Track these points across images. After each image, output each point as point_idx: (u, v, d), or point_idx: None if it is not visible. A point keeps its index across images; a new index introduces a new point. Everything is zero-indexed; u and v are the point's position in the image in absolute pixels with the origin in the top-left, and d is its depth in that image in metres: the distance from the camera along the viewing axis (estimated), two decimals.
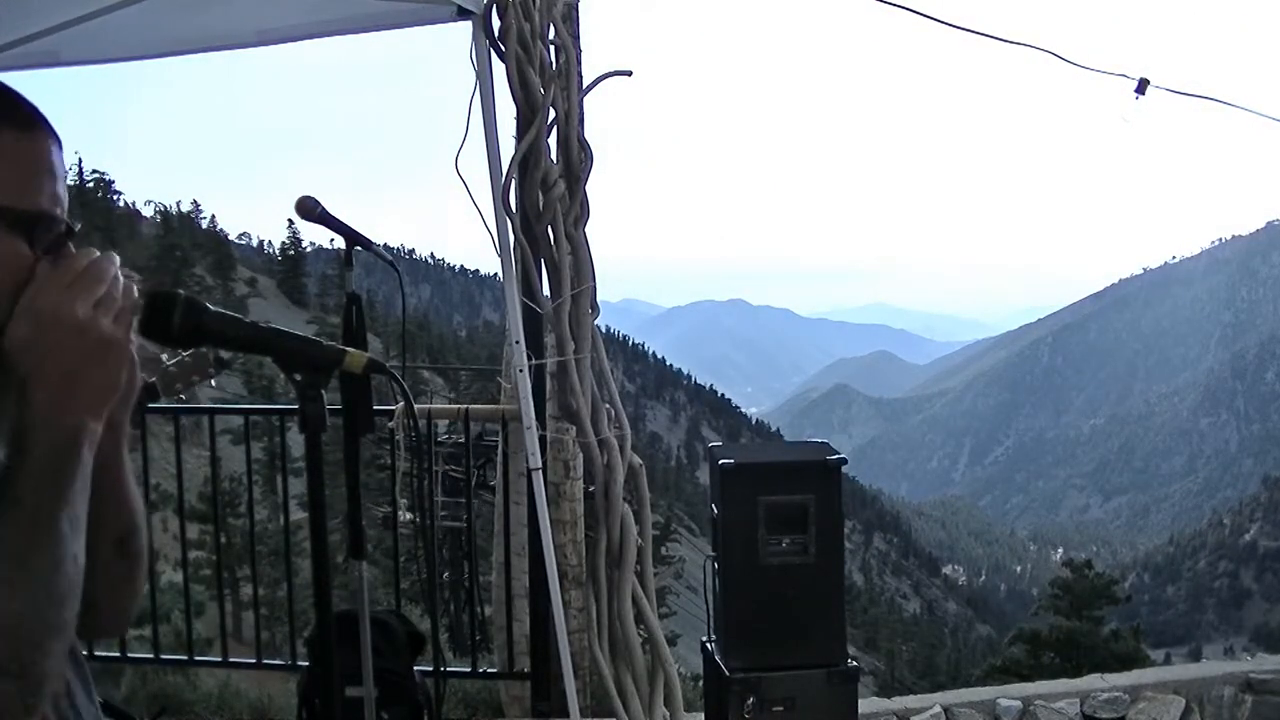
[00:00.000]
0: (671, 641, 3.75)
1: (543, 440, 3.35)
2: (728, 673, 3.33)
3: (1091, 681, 4.38)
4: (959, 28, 4.23)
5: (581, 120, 3.13)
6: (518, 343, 3.15)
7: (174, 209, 67.30)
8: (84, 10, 2.88)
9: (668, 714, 3.20)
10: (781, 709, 3.29)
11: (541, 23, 3.03)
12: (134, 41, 3.32)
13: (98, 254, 0.94)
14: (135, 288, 0.97)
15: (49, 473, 0.87)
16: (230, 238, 76.52)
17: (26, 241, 0.93)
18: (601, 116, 3.37)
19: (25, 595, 0.84)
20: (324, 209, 2.68)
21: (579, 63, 3.32)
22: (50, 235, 0.95)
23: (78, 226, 1.00)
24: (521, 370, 3.14)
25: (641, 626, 3.17)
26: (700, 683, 4.50)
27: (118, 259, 0.96)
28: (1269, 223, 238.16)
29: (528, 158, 3.02)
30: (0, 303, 0.91)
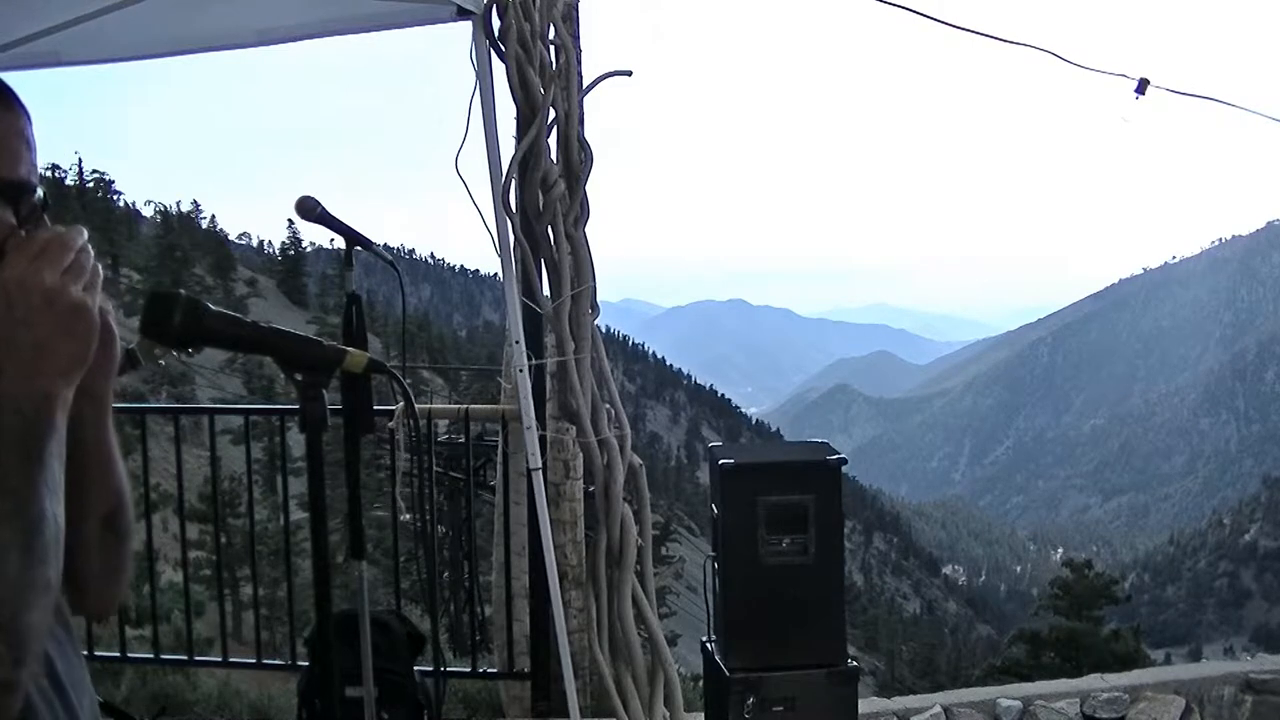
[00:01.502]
0: (671, 641, 3.76)
1: (543, 440, 3.35)
2: (728, 673, 3.33)
3: (1091, 681, 4.38)
4: (959, 28, 4.23)
5: (581, 120, 3.13)
6: (518, 343, 3.15)
7: (174, 209, 67.23)
8: (84, 10, 2.88)
9: (668, 714, 3.20)
10: (781, 709, 3.29)
11: (541, 23, 3.03)
12: (134, 41, 3.32)
13: (63, 229, 0.96)
14: (99, 265, 0.98)
15: (22, 438, 0.89)
16: (230, 238, 76.47)
17: (13, 211, 0.95)
18: (601, 116, 3.37)
19: (8, 555, 0.86)
20: (324, 209, 2.69)
21: (579, 63, 3.33)
22: (30, 206, 0.97)
23: (50, 200, 1.01)
24: (521, 370, 3.14)
25: (641, 626, 3.17)
26: (700, 683, 4.51)
27: (84, 231, 0.97)
28: (1269, 223, 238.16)
29: (528, 158, 3.02)
30: None
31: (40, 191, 0.99)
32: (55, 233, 0.95)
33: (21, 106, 0.99)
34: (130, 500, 1.10)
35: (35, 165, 0.99)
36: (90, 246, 0.96)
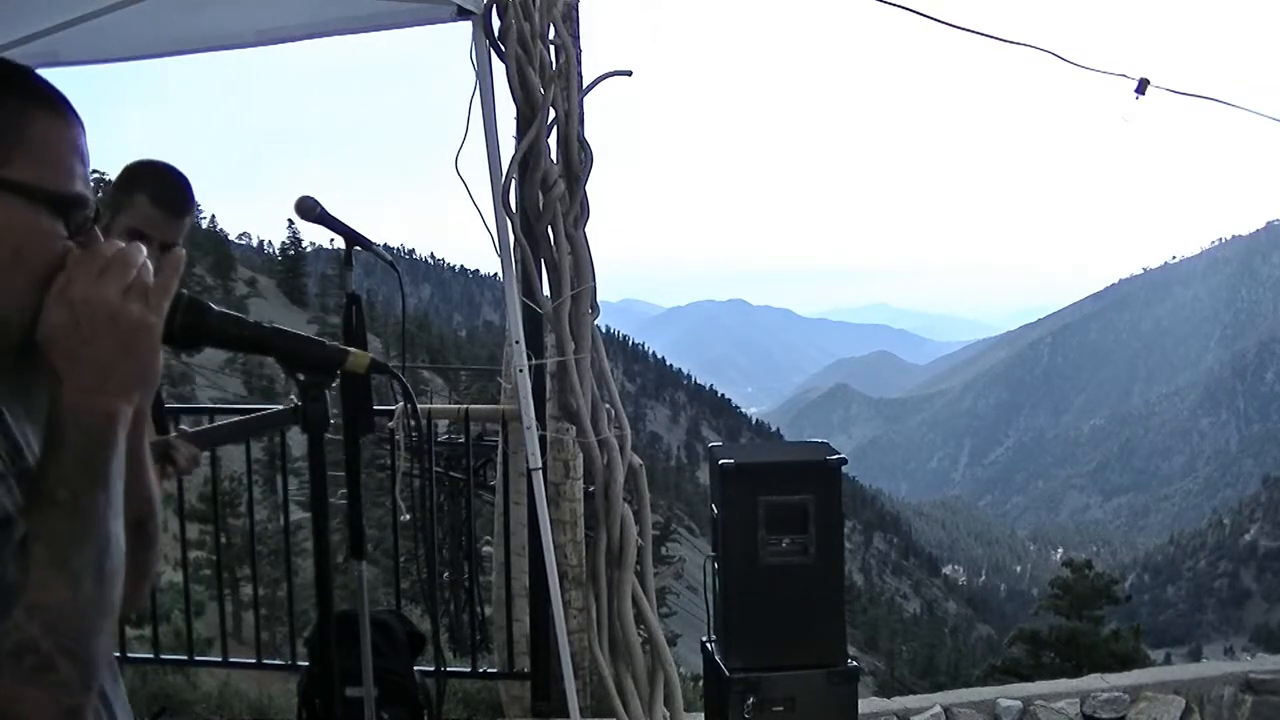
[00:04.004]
0: (671, 641, 3.76)
1: (543, 440, 3.34)
2: (728, 673, 3.33)
3: (1091, 681, 4.38)
4: (959, 28, 4.24)
5: (581, 120, 3.12)
6: (518, 343, 3.15)
7: None
8: (84, 10, 2.88)
9: (668, 714, 3.20)
10: (781, 709, 3.29)
11: (541, 23, 3.03)
12: (134, 41, 3.32)
13: (123, 244, 0.94)
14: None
15: (86, 459, 0.88)
16: (230, 238, 76.62)
17: (64, 224, 0.94)
18: (601, 116, 3.37)
19: (75, 579, 0.85)
20: (324, 209, 2.68)
21: (579, 63, 3.33)
22: (82, 219, 0.96)
23: (100, 212, 1.00)
24: (521, 370, 3.14)
25: (641, 626, 3.17)
26: (700, 683, 4.51)
27: (145, 249, 0.95)
28: (1269, 223, 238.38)
29: (528, 158, 3.02)
30: (36, 287, 0.91)
31: (93, 205, 0.97)
32: (117, 248, 0.93)
33: (76, 117, 0.97)
34: (159, 507, 1.10)
35: (88, 178, 0.98)
36: (150, 262, 0.95)
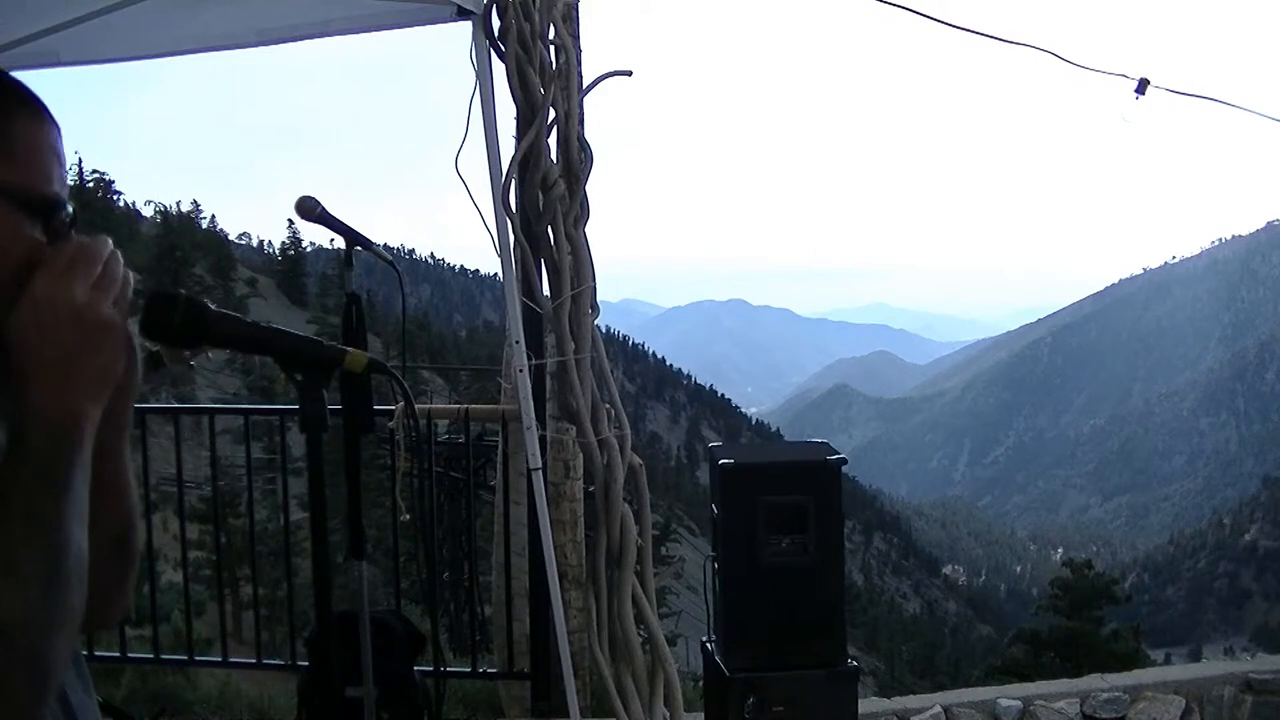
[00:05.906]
0: (671, 641, 3.75)
1: (543, 440, 3.35)
2: (728, 673, 3.33)
3: (1091, 681, 4.38)
4: (959, 28, 4.24)
5: (581, 120, 3.12)
6: (518, 343, 3.15)
7: (174, 209, 67.46)
8: (84, 10, 2.88)
9: (668, 714, 3.20)
10: (781, 709, 3.29)
11: (541, 23, 3.03)
12: (134, 41, 3.32)
13: (89, 240, 0.94)
14: (130, 274, 0.96)
15: (50, 460, 0.87)
16: (230, 238, 76.78)
17: (44, 227, 0.94)
18: (601, 116, 3.37)
19: (32, 584, 0.83)
20: (324, 209, 2.69)
21: (579, 63, 3.33)
22: (59, 221, 0.96)
23: (78, 215, 1.00)
24: (521, 370, 3.14)
25: (641, 626, 3.17)
26: (700, 683, 4.51)
27: (110, 241, 0.95)
28: (1269, 223, 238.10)
29: (528, 158, 3.02)
30: (12, 288, 0.90)
31: (70, 207, 0.97)
32: (81, 244, 0.93)
33: (53, 119, 0.97)
34: (139, 521, 1.08)
35: (65, 180, 0.98)
36: (119, 254, 0.95)
